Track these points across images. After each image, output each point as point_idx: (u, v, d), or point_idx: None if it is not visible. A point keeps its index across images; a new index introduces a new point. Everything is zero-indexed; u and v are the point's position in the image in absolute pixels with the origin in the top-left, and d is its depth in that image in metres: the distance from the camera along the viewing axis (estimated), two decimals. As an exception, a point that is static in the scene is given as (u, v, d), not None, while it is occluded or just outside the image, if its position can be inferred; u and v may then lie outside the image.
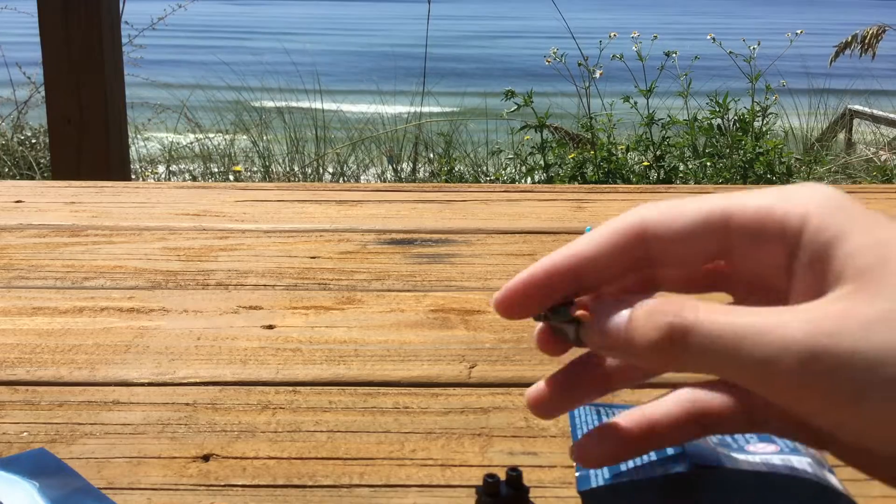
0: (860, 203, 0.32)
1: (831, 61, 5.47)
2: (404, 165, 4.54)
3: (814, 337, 0.28)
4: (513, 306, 0.36)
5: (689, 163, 3.82)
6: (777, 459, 0.41)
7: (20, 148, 4.19)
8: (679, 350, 0.30)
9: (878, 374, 0.27)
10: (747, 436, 0.43)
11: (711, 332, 0.30)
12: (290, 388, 0.57)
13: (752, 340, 0.29)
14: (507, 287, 0.36)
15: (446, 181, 4.03)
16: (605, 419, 0.46)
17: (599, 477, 0.43)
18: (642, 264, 0.35)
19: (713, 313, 0.30)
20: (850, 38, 5.42)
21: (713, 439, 0.43)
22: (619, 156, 3.65)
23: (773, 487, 0.40)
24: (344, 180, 4.42)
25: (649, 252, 0.34)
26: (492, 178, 4.23)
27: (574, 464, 0.48)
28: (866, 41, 5.31)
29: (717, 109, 3.67)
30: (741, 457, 0.41)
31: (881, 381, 0.27)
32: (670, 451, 0.41)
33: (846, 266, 0.30)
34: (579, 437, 0.46)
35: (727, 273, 0.36)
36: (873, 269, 0.29)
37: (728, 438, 0.43)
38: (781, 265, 0.32)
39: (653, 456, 0.42)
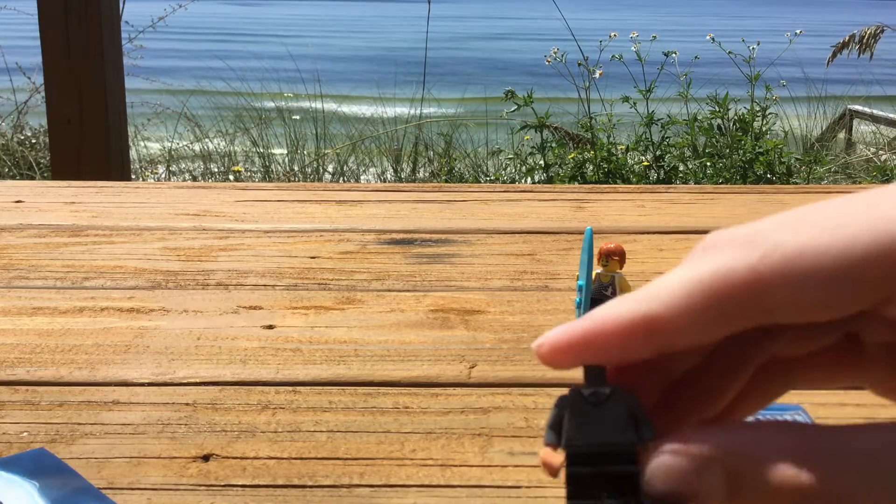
0: None
1: (828, 62, 5.47)
2: (404, 165, 4.54)
3: None
4: (561, 361, 0.25)
5: (688, 163, 3.82)
6: None
7: (20, 148, 4.19)
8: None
9: None
10: None
11: None
12: (290, 388, 0.57)
13: None
14: (557, 340, 0.25)
15: (446, 181, 4.03)
16: None
17: None
18: (747, 326, 0.24)
19: None
20: (847, 39, 5.42)
21: None
22: (619, 156, 3.66)
23: None
24: (344, 180, 4.42)
25: (763, 315, 0.23)
26: (492, 178, 4.23)
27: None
28: (864, 41, 5.31)
29: (717, 109, 3.68)
30: None
31: None
32: None
33: None
34: None
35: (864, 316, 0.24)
36: None
37: None
38: None
39: None
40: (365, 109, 5.71)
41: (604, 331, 0.24)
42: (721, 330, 0.24)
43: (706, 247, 0.25)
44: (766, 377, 0.27)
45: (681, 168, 3.77)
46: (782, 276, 0.23)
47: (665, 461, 0.23)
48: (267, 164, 4.47)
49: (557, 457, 0.25)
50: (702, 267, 0.24)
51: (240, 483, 0.46)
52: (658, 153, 3.69)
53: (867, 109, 5.59)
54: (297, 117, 4.80)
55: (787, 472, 0.22)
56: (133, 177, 3.59)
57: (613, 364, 0.25)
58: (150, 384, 0.57)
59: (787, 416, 0.41)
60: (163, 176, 4.49)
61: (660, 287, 0.24)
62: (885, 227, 0.22)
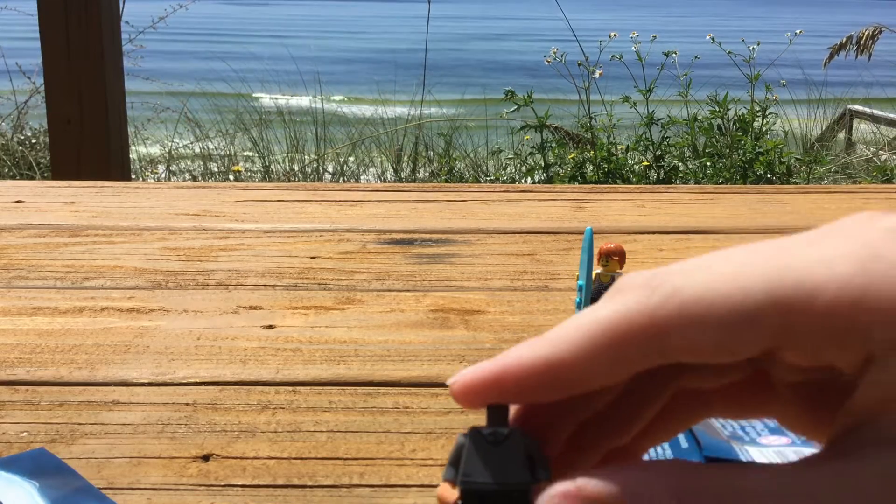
0: None
1: (826, 63, 5.46)
2: (404, 165, 4.54)
3: None
4: (471, 400, 0.26)
5: (688, 163, 3.82)
6: (790, 452, 0.41)
7: (20, 148, 4.19)
8: None
9: None
10: (759, 428, 0.44)
11: None
12: (290, 388, 0.57)
13: None
14: (468, 379, 0.26)
15: (446, 181, 4.03)
16: None
17: None
18: (649, 366, 0.25)
19: None
20: (844, 40, 5.41)
21: (725, 432, 0.43)
22: (619, 156, 3.66)
23: None
24: (344, 180, 4.42)
25: (662, 357, 0.24)
26: (492, 178, 4.23)
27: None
28: (861, 42, 5.30)
29: (717, 109, 3.68)
30: (754, 449, 0.42)
31: None
32: (684, 444, 0.42)
33: None
34: None
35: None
36: None
37: (740, 431, 0.44)
38: (853, 366, 0.23)
39: (666, 448, 0.42)
40: (365, 110, 5.71)
41: (511, 374, 0.25)
42: (623, 371, 0.25)
43: (616, 289, 0.25)
44: (683, 404, 0.28)
45: (681, 168, 3.77)
46: (679, 321, 0.23)
47: (552, 502, 0.23)
48: (267, 164, 4.47)
49: (453, 493, 0.25)
50: (605, 310, 0.25)
51: (240, 483, 0.46)
52: (658, 153, 3.69)
53: (867, 109, 5.59)
54: (297, 121, 4.80)
55: None
56: (133, 177, 3.59)
57: (522, 404, 0.26)
58: (150, 384, 0.57)
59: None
60: (163, 176, 4.49)
61: (566, 330, 0.25)
62: (780, 278, 0.23)
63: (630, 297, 0.24)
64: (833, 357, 0.23)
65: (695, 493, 0.22)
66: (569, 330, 0.25)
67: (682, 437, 0.43)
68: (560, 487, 0.23)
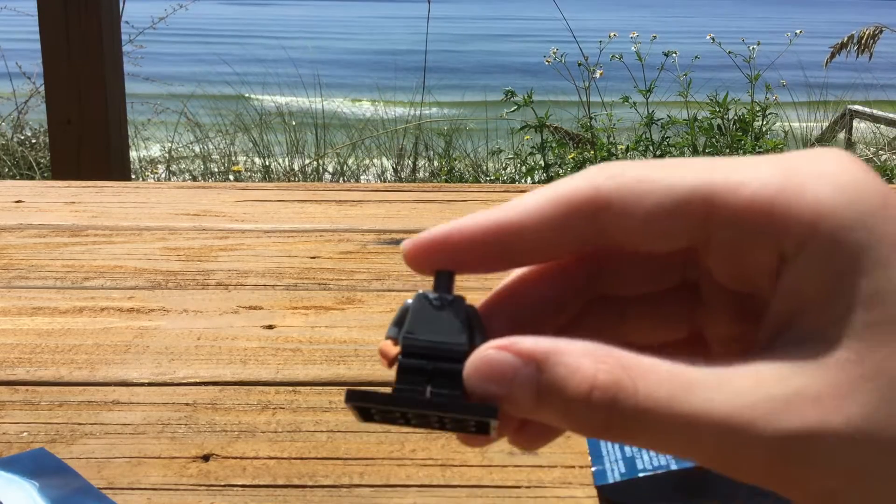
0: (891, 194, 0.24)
1: (827, 63, 5.46)
2: (404, 165, 4.54)
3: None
4: (421, 261, 0.28)
5: (688, 163, 3.81)
6: None
7: (20, 148, 4.19)
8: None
9: None
10: None
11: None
12: (290, 388, 0.57)
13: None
14: (420, 239, 0.27)
15: (446, 181, 4.03)
16: None
17: (616, 472, 0.43)
18: (588, 243, 0.27)
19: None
20: (845, 40, 5.40)
21: None
22: (619, 156, 3.66)
23: None
24: (344, 180, 4.42)
25: (600, 234, 0.26)
26: (492, 178, 4.23)
27: (589, 464, 0.48)
28: (862, 42, 5.30)
29: (717, 109, 3.68)
30: None
31: None
32: None
33: (871, 308, 0.23)
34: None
35: (695, 263, 0.28)
36: None
37: None
38: (769, 267, 0.25)
39: None
40: (365, 110, 5.72)
41: (462, 234, 0.27)
42: (566, 241, 0.27)
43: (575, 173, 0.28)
44: (595, 314, 0.30)
45: (681, 168, 3.77)
46: (618, 195, 0.26)
47: (486, 355, 0.25)
48: (267, 164, 4.47)
49: (394, 349, 0.26)
50: (557, 183, 0.27)
51: (240, 483, 0.46)
52: (658, 153, 3.69)
53: (867, 109, 5.59)
54: (297, 121, 4.81)
55: (586, 371, 0.24)
56: (133, 177, 3.59)
57: (471, 272, 0.28)
58: (150, 384, 0.57)
59: None
60: (163, 176, 4.49)
61: (521, 198, 0.27)
62: (710, 173, 0.25)
63: (582, 175, 0.27)
64: (750, 260, 0.25)
65: (606, 354, 0.24)
66: (523, 198, 0.27)
67: None
68: (494, 342, 0.25)
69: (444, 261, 0.27)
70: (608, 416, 0.24)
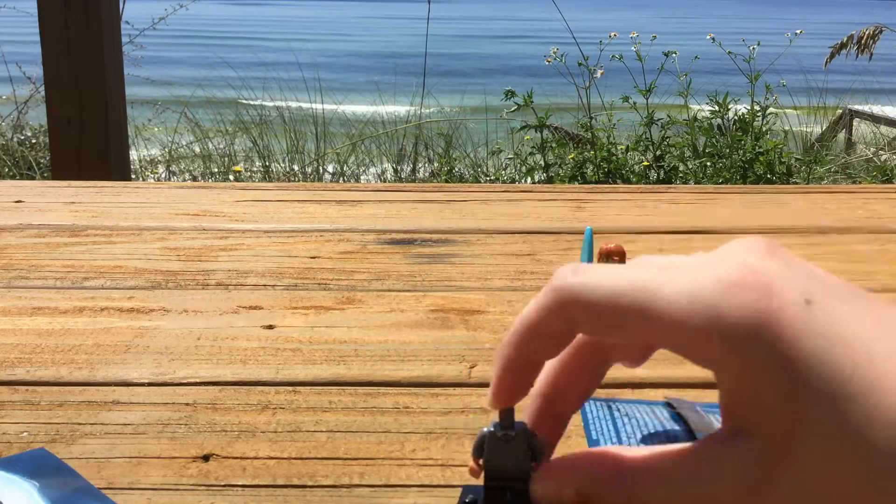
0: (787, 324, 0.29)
1: (826, 62, 5.45)
2: (404, 165, 4.54)
3: None
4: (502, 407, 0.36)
5: (688, 163, 3.82)
6: None
7: (20, 148, 4.19)
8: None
9: None
10: None
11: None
12: (290, 388, 0.57)
13: None
14: (497, 397, 0.36)
15: (446, 181, 4.03)
16: (616, 413, 0.47)
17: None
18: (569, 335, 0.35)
19: None
20: (845, 39, 5.40)
21: (714, 419, 0.44)
22: (619, 156, 3.66)
23: None
24: (344, 180, 4.42)
25: (571, 332, 0.35)
26: (492, 178, 4.23)
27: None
28: (862, 42, 5.29)
29: (717, 109, 3.68)
30: None
31: None
32: (677, 427, 0.43)
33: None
34: (593, 435, 0.46)
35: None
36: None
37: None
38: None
39: (659, 427, 0.43)
40: (365, 110, 5.71)
41: (516, 384, 0.36)
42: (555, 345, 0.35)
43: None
44: (587, 354, 0.37)
45: (681, 168, 3.77)
46: (580, 311, 0.33)
47: (539, 484, 0.34)
48: (267, 164, 4.47)
49: (477, 468, 0.36)
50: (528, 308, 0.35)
51: (240, 483, 0.46)
52: (658, 153, 3.69)
53: (867, 109, 5.59)
54: (297, 120, 4.81)
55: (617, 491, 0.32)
56: (133, 177, 3.59)
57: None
58: (150, 384, 0.57)
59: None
60: (163, 176, 4.49)
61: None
62: (644, 296, 0.31)
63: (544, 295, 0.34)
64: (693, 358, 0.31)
65: (591, 478, 0.33)
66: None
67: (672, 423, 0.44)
68: (541, 475, 0.35)
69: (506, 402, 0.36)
70: None
